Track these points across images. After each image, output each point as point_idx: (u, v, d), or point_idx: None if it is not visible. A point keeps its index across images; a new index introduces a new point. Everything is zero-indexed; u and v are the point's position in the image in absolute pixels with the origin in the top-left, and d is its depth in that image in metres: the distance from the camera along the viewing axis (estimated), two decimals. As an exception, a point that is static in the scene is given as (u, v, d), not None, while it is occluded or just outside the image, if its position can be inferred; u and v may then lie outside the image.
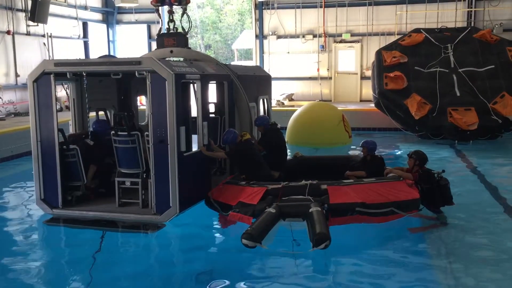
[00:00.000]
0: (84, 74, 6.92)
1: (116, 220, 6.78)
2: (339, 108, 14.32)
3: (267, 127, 8.08)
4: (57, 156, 6.85)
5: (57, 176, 6.88)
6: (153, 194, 6.51)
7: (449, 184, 6.97)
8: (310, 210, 5.90)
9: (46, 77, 6.73)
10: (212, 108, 8.71)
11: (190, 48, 8.49)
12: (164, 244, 6.65)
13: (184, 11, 8.49)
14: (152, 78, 6.28)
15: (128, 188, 6.98)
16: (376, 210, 6.36)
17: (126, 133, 6.79)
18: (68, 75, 6.74)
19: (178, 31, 8.35)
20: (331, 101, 18.63)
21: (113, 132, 6.93)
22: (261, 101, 9.19)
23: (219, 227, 7.10)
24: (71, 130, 7.67)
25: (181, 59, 8.32)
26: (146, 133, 6.62)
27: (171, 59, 8.17)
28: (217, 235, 7.21)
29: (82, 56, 18.65)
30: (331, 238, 5.44)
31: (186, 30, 8.38)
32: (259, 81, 9.28)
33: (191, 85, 8.15)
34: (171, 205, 6.42)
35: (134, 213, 6.72)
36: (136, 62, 6.37)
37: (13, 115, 14.84)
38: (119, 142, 6.87)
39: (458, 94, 13.54)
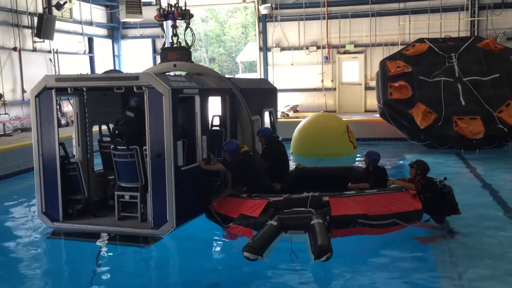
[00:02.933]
0: (84, 89, 6.98)
1: (113, 233, 6.83)
2: (343, 119, 14.32)
3: (269, 139, 8.07)
4: (58, 170, 6.93)
5: (58, 190, 6.95)
6: (151, 208, 6.54)
7: (453, 192, 6.92)
8: (312, 222, 5.88)
9: (47, 92, 6.85)
10: (217, 121, 8.76)
11: (193, 62, 8.55)
12: (165, 258, 6.66)
13: (188, 25, 8.57)
14: (149, 93, 6.35)
15: (127, 201, 7.02)
16: (378, 221, 6.33)
17: (125, 147, 6.84)
18: (69, 90, 6.84)
19: (182, 45, 8.42)
20: (335, 112, 18.64)
21: (112, 146, 6.99)
22: (266, 114, 9.20)
23: (220, 240, 7.07)
24: (74, 143, 7.72)
25: (183, 73, 8.38)
26: (145, 147, 6.65)
27: (173, 73, 8.22)
28: (218, 248, 7.18)
29: (88, 71, 18.82)
30: (333, 250, 5.40)
31: (190, 44, 8.46)
32: (263, 94, 9.29)
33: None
34: (168, 219, 6.43)
35: (132, 227, 6.75)
36: (134, 77, 6.44)
37: (20, 131, 14.96)
38: (118, 156, 6.93)
39: (463, 103, 13.52)
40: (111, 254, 6.70)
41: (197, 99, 7.02)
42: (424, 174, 7.07)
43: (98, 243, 6.82)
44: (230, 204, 6.87)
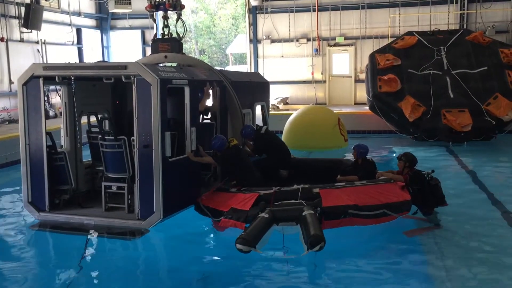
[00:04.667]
0: (72, 78, 6.91)
1: (98, 227, 6.74)
2: (334, 112, 14.36)
3: (252, 136, 8.00)
4: (44, 160, 6.88)
5: (44, 180, 6.90)
6: (138, 199, 6.51)
7: (440, 184, 7.00)
8: (303, 214, 5.90)
9: (35, 81, 6.78)
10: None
11: (184, 53, 8.50)
12: (155, 250, 6.66)
13: (179, 17, 8.51)
14: (137, 82, 6.31)
15: (115, 192, 6.98)
16: (368, 212, 6.38)
17: (112, 137, 6.80)
18: (56, 79, 6.78)
19: (173, 36, 8.37)
20: (325, 104, 18.69)
21: (100, 136, 6.95)
22: (258, 107, 9.17)
23: (211, 232, 7.07)
24: (62, 133, 7.66)
25: (174, 64, 8.33)
26: (132, 137, 6.62)
27: (164, 64, 8.16)
28: (209, 240, 7.18)
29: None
30: (325, 240, 5.44)
31: (181, 36, 8.40)
32: (255, 88, 9.25)
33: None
34: (154, 210, 6.40)
35: (119, 218, 6.71)
36: (122, 66, 6.39)
37: (7, 122, 14.79)
38: (106, 147, 6.89)
39: (451, 96, 13.63)
40: (99, 246, 6.62)
41: (187, 90, 6.99)
42: (412, 166, 7.14)
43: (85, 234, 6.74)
44: (219, 198, 6.85)
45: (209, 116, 8.26)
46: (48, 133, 6.99)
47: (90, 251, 6.42)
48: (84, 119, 7.87)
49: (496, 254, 6.11)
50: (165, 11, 8.29)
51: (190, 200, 7.05)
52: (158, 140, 6.28)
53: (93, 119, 7.75)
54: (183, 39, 8.45)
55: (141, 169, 6.41)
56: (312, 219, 5.75)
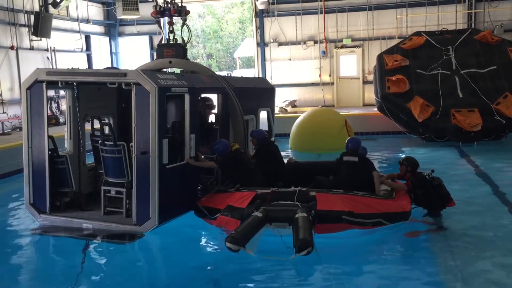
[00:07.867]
0: (75, 84, 7.02)
1: (96, 230, 6.82)
2: (342, 113, 14.33)
3: (261, 142, 7.99)
4: (46, 163, 6.99)
5: (46, 182, 7.02)
6: (134, 205, 6.57)
7: (443, 182, 6.94)
8: (296, 216, 5.86)
9: (38, 85, 6.94)
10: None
11: (188, 59, 8.54)
12: (157, 254, 6.70)
13: (184, 22, 8.56)
14: (136, 90, 6.38)
15: (114, 197, 7.07)
16: (363, 220, 6.30)
17: (112, 142, 6.89)
18: (59, 84, 6.90)
19: (178, 42, 8.42)
20: (334, 106, 18.66)
21: (100, 141, 7.04)
22: (262, 113, 9.15)
23: (210, 236, 7.05)
24: (66, 136, 7.74)
25: (175, 70, 8.38)
26: (131, 143, 6.68)
27: (168, 70, 8.23)
28: (209, 245, 7.16)
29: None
30: (314, 244, 5.38)
31: (186, 41, 8.45)
32: (260, 94, 9.25)
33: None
34: (150, 216, 6.45)
35: (116, 222, 6.79)
36: (122, 74, 6.49)
37: (18, 129, 14.92)
38: (105, 152, 6.99)
39: (460, 95, 13.53)
40: (98, 249, 6.66)
41: (187, 97, 7.02)
42: (414, 170, 7.08)
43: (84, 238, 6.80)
44: (217, 198, 6.91)
45: None
46: (50, 137, 7.11)
47: (90, 254, 6.45)
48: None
49: (507, 255, 6.04)
50: (170, 17, 8.37)
51: (187, 207, 7.09)
52: (155, 147, 6.35)
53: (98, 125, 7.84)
54: (189, 44, 8.51)
55: (138, 175, 6.49)
56: (304, 223, 5.69)
